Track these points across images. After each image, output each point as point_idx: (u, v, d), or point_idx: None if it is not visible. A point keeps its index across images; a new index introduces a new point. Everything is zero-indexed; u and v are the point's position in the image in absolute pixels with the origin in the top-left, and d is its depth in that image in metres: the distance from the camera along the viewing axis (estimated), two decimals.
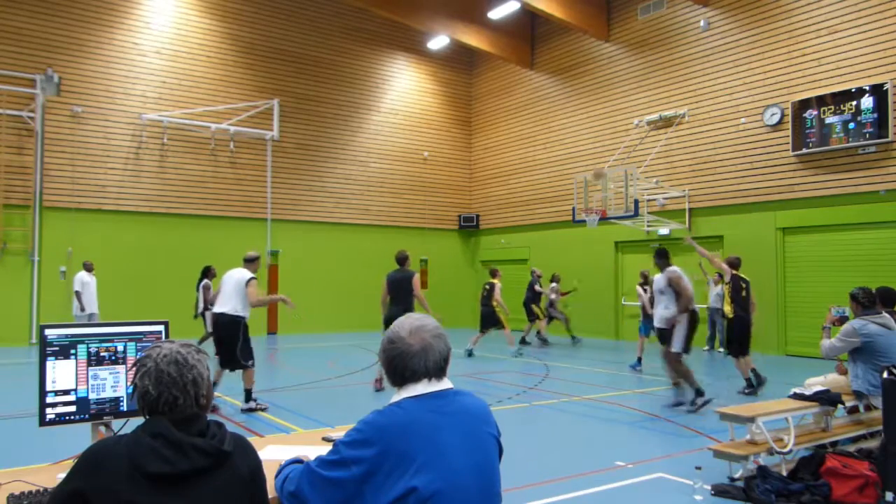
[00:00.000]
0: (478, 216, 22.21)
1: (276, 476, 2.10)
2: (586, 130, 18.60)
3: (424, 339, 2.02)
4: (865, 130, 12.72)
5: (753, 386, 9.22)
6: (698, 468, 4.95)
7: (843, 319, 6.03)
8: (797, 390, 5.79)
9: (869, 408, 5.97)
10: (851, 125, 12.89)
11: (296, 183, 19.18)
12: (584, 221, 15.32)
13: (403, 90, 21.38)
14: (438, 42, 20.60)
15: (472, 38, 19.37)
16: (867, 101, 12.66)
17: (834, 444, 5.63)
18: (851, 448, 5.50)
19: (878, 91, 12.52)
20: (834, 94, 13.17)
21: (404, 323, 2.07)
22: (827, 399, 5.56)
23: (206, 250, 17.19)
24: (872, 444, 5.62)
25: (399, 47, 21.19)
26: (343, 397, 9.21)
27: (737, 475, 5.13)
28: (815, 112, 13.43)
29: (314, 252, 19.32)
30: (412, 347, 2.00)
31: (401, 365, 1.99)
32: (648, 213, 15.50)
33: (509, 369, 12.02)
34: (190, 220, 17.40)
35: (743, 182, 14.81)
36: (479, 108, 22.53)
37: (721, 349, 14.69)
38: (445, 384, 2.03)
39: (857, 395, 5.79)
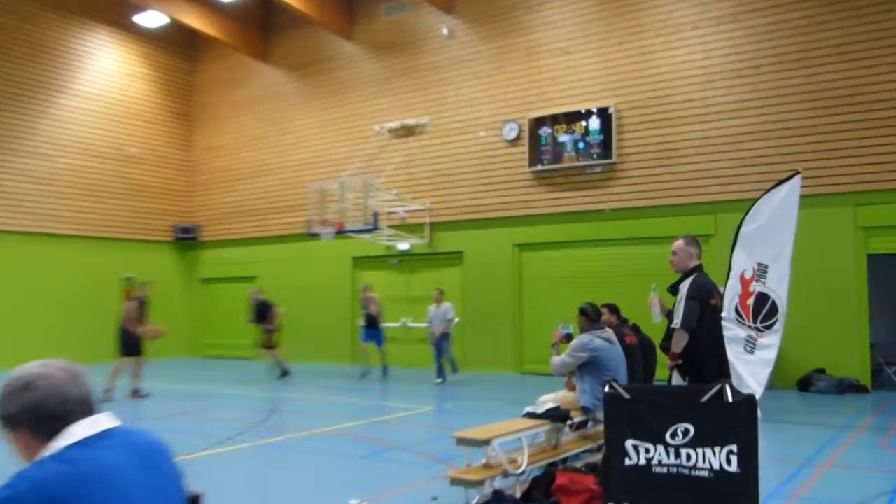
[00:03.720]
0: (198, 227, 20.98)
1: None
2: (325, 134, 18.62)
3: (66, 369, 1.85)
4: (593, 151, 14.48)
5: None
6: (434, 498, 5.05)
7: (569, 336, 6.66)
8: (530, 409, 6.24)
9: (596, 422, 6.64)
10: (581, 145, 14.59)
11: None
12: (318, 234, 15.22)
13: (105, 71, 19.45)
14: (153, 19, 19.08)
15: (194, 19, 18.33)
16: (594, 123, 14.43)
17: (564, 460, 6.15)
18: (579, 464, 6.06)
19: (604, 114, 14.33)
20: (566, 114, 14.79)
21: (28, 365, 1.85)
22: (557, 416, 6.07)
23: None
24: (598, 457, 6.24)
25: (101, 19, 19.24)
26: None
27: (473, 502, 5.33)
28: (549, 130, 14.97)
29: None
30: (60, 379, 1.80)
31: (55, 403, 1.76)
32: (388, 226, 15.89)
33: (227, 405, 11.39)
34: None
35: (483, 196, 15.93)
36: (202, 100, 21.39)
37: None
38: (112, 421, 1.84)
39: (585, 410, 6.41)
